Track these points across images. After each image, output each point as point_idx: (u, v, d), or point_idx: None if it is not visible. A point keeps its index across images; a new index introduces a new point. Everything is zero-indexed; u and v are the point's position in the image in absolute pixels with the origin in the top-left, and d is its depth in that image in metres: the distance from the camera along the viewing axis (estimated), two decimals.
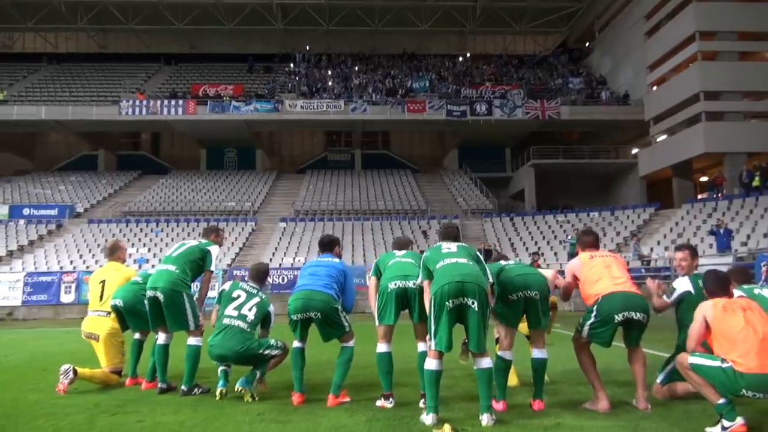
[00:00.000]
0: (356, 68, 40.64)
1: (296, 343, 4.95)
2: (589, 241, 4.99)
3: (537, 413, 4.31)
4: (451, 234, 4.67)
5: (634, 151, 35.86)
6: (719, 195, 26.82)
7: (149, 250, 25.47)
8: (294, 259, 24.09)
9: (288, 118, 33.85)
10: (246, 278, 5.57)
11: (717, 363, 3.77)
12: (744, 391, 3.65)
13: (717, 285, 4.11)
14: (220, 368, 5.07)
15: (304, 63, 41.41)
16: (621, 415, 4.23)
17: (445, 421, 3.88)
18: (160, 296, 5.17)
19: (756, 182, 23.33)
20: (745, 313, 3.84)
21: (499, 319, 4.68)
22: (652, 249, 22.01)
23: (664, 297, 4.91)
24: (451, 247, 4.38)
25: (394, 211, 31.04)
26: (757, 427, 3.79)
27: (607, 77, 37.90)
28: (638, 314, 4.45)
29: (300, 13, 39.61)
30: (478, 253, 4.42)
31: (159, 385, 5.29)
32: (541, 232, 27.38)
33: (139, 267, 20.75)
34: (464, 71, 40.09)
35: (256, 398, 4.87)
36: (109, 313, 5.73)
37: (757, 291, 5.03)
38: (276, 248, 25.49)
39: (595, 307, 4.52)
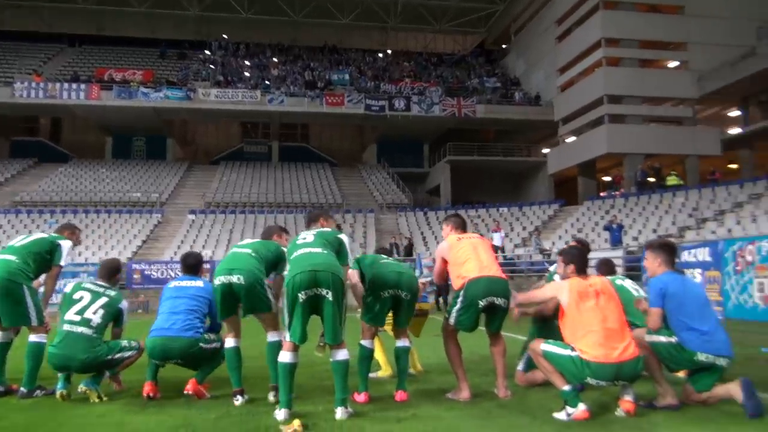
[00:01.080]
0: (275, 59, 39.78)
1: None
2: (457, 223, 4.94)
3: (398, 404, 4.21)
4: (310, 221, 4.49)
5: (545, 150, 37.34)
6: (617, 193, 28.41)
7: None
8: (202, 252, 23.18)
9: (201, 107, 32.62)
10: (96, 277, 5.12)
11: (567, 351, 3.80)
12: (589, 379, 3.70)
13: (582, 261, 4.16)
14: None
15: (221, 51, 40.07)
16: (479, 404, 4.21)
17: (300, 416, 3.70)
18: None
19: (651, 179, 24.88)
20: (599, 299, 3.88)
21: (364, 311, 4.55)
22: (553, 243, 22.92)
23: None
24: (307, 237, 4.19)
25: (309, 204, 30.62)
26: (601, 412, 3.86)
27: (521, 79, 39.17)
28: (500, 299, 4.45)
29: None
30: (342, 238, 4.25)
31: None
32: None
33: None
34: (384, 67, 40.20)
35: (104, 398, 4.47)
36: None
37: (619, 282, 5.20)
38: (182, 241, 24.48)
39: (461, 292, 4.48)
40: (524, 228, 26.71)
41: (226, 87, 33.81)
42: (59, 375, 4.58)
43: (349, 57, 41.53)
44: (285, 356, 3.85)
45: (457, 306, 4.46)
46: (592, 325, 3.78)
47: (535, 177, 35.87)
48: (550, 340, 3.97)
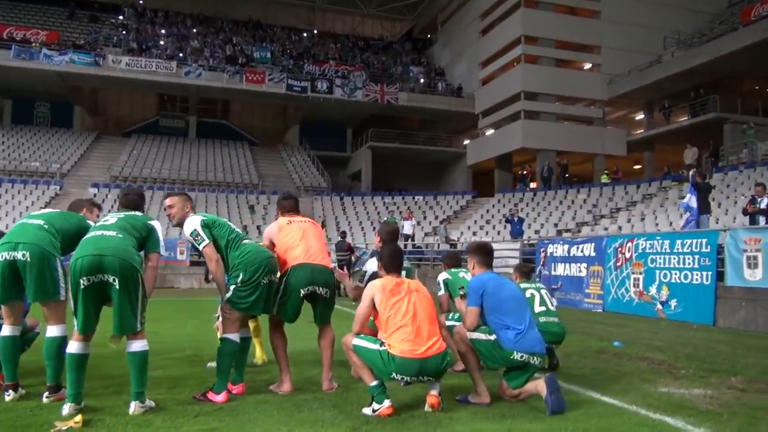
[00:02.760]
0: (195, 30, 38.16)
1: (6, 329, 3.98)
2: (289, 205, 4.79)
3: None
4: (125, 203, 4.19)
5: (465, 141, 38.01)
6: (528, 188, 29.33)
7: None
8: None
9: (110, 75, 30.82)
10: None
11: (376, 346, 3.76)
12: (394, 374, 3.67)
13: (392, 261, 4.11)
14: None
15: (136, 17, 37.96)
16: (296, 396, 4.12)
17: (84, 411, 3.47)
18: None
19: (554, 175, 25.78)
20: (411, 296, 3.87)
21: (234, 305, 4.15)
22: (462, 233, 23.39)
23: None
24: (109, 218, 3.90)
25: (224, 184, 29.79)
26: (408, 408, 3.85)
27: (446, 69, 39.56)
28: (321, 289, 4.36)
29: None
30: (152, 225, 3.98)
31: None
32: (368, 213, 27.95)
33: None
34: (309, 47, 39.46)
35: None
36: None
37: (462, 275, 5.25)
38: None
39: (284, 279, 4.35)
40: (437, 217, 27.14)
41: (140, 55, 32.13)
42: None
43: (274, 34, 40.47)
44: (73, 346, 3.59)
45: (279, 293, 4.33)
46: (402, 321, 3.76)
47: (455, 167, 36.49)
48: (361, 335, 3.92)
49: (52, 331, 3.82)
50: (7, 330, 3.94)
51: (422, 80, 37.46)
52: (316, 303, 4.43)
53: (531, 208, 24.36)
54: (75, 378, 3.55)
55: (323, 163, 34.51)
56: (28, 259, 3.73)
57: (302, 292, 4.28)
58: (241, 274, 4.04)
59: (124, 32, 35.31)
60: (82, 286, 3.51)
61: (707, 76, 26.63)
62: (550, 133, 30.07)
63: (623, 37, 30.69)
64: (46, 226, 3.94)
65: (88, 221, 4.21)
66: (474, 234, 22.91)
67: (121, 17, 37.44)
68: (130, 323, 3.61)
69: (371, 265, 4.76)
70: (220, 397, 3.93)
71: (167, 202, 4.42)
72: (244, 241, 4.21)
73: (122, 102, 38.51)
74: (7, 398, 3.84)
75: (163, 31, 36.90)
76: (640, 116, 33.53)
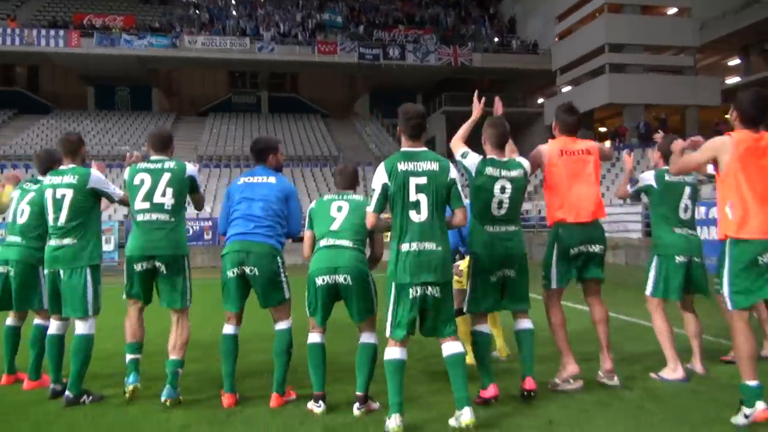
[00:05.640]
0: None
1: (228, 328, 4.01)
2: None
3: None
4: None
5: (540, 100, 36.70)
6: (620, 144, 28.05)
7: None
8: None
9: (187, 56, 31.25)
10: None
11: None
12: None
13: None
14: (129, 357, 4.08)
15: None
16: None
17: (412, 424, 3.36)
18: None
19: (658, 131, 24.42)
20: None
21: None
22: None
23: (628, 187, 4.70)
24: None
25: (305, 158, 29.92)
26: None
27: (518, 25, 38.05)
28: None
29: None
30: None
31: (52, 386, 4.30)
32: None
33: None
34: (375, 6, 38.55)
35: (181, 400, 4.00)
36: None
37: None
38: None
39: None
40: None
41: (213, 34, 32.31)
42: (128, 363, 4.07)
43: None
44: (392, 352, 3.43)
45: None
46: None
47: (532, 127, 35.33)
48: None
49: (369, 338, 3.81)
50: (316, 337, 3.90)
51: (495, 39, 36.18)
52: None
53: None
54: (398, 385, 3.39)
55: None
56: (350, 283, 3.83)
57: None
58: None
59: (196, 11, 35.51)
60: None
61: None
62: (638, 86, 28.53)
63: None
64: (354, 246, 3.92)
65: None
66: None
67: None
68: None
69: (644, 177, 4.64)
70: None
71: None
72: None
73: (195, 82, 39.09)
74: (317, 411, 3.74)
75: (233, 1, 36.86)
76: (734, 62, 31.36)
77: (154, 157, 4.15)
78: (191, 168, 4.18)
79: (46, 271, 4.19)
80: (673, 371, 4.21)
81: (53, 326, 4.29)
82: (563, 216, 4.07)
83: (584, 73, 30.78)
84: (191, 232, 19.51)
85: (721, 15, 27.89)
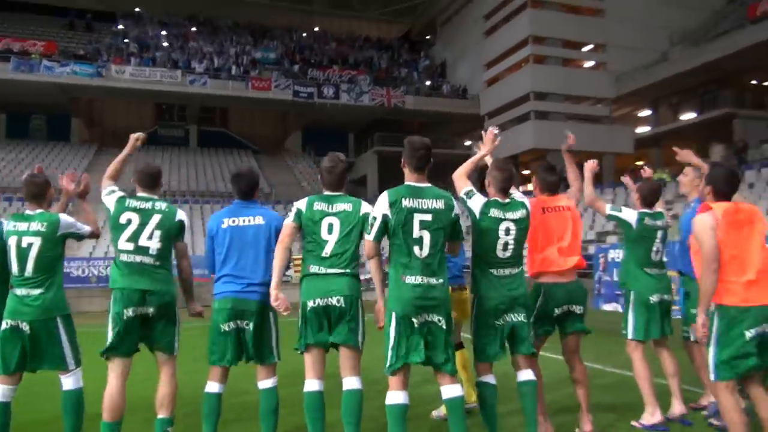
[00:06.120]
0: (194, 29, 37.34)
1: (213, 385, 3.72)
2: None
3: None
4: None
5: (467, 143, 37.96)
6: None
7: None
8: None
9: (114, 86, 30.06)
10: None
11: None
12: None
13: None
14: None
15: (133, 23, 37.06)
16: None
17: None
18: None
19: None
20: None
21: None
22: None
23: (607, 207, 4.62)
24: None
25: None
26: None
27: (448, 70, 39.47)
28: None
29: None
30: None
31: None
32: None
33: None
34: (310, 46, 38.95)
35: None
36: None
37: None
38: (103, 237, 22.32)
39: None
40: None
41: (142, 62, 31.33)
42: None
43: (273, 36, 39.85)
44: (395, 396, 3.30)
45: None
46: None
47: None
48: None
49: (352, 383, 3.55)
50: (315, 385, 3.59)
51: (427, 83, 37.32)
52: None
53: None
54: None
55: None
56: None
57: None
58: None
59: (125, 39, 34.38)
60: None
61: (715, 72, 26.97)
62: (560, 133, 29.65)
63: (628, 35, 30.90)
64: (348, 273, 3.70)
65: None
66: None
67: (120, 26, 36.44)
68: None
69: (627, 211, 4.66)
70: None
71: None
72: None
73: (119, 112, 37.53)
74: None
75: (163, 33, 36.04)
76: (646, 113, 33.88)
77: (141, 195, 3.86)
78: (182, 213, 3.95)
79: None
80: (651, 416, 4.27)
81: None
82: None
83: (510, 119, 32.24)
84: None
85: (633, 70, 30.22)
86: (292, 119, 38.43)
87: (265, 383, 3.75)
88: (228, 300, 3.69)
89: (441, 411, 4.51)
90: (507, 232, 3.68)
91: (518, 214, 3.74)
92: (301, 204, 3.66)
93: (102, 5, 37.55)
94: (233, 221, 3.81)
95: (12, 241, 3.70)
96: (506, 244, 3.68)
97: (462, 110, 35.26)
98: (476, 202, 3.73)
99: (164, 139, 35.90)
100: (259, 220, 3.80)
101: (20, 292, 3.68)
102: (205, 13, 39.42)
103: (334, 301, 3.45)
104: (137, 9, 38.18)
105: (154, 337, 3.72)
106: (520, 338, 3.72)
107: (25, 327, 3.61)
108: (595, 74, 32.07)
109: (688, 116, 29.87)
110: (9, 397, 3.71)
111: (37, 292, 3.67)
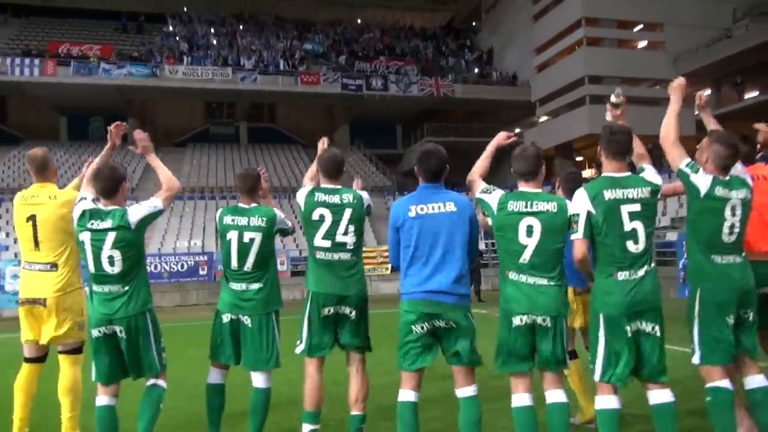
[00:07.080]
0: (241, 27, 37.70)
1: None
2: None
3: None
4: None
5: (517, 130, 37.31)
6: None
7: (7, 234, 21.68)
8: (189, 242, 21.79)
9: (168, 85, 30.64)
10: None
11: None
12: None
13: None
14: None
15: (182, 24, 37.65)
16: None
17: None
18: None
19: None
20: None
21: None
22: None
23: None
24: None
25: (290, 189, 29.38)
26: None
27: (495, 57, 38.81)
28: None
29: None
30: None
31: None
32: None
33: None
34: (355, 38, 38.84)
35: None
36: (54, 265, 3.87)
37: None
38: (165, 230, 22.90)
39: None
40: None
41: (192, 61, 31.81)
42: None
43: (318, 28, 39.87)
44: (607, 401, 3.09)
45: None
46: None
47: (510, 158, 35.73)
48: None
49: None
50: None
51: (476, 70, 36.79)
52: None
53: None
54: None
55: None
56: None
57: None
58: None
59: (176, 39, 34.94)
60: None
61: None
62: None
63: (687, 12, 29.70)
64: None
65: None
66: None
67: (170, 27, 37.06)
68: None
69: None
70: None
71: None
72: None
73: (170, 112, 38.23)
74: None
75: (212, 30, 36.51)
76: (707, 93, 32.58)
77: (327, 186, 3.84)
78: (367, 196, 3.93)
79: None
80: None
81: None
82: None
83: (563, 105, 31.49)
84: (185, 267, 18.79)
85: (693, 49, 29.06)
86: (339, 113, 38.48)
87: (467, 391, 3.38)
88: (419, 303, 3.33)
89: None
90: (733, 212, 3.29)
91: (742, 193, 3.33)
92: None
93: (150, 7, 38.28)
94: (421, 209, 3.44)
95: (233, 236, 3.76)
96: (732, 226, 3.29)
97: (512, 97, 34.63)
98: (702, 180, 3.31)
99: (215, 136, 36.44)
100: (451, 207, 3.44)
101: (238, 286, 3.74)
102: (249, 8, 39.73)
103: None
104: (185, 8, 38.74)
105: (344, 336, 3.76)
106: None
107: (247, 321, 3.69)
108: (652, 54, 30.98)
109: (751, 95, 28.58)
110: (224, 380, 3.85)
111: (256, 286, 3.73)
